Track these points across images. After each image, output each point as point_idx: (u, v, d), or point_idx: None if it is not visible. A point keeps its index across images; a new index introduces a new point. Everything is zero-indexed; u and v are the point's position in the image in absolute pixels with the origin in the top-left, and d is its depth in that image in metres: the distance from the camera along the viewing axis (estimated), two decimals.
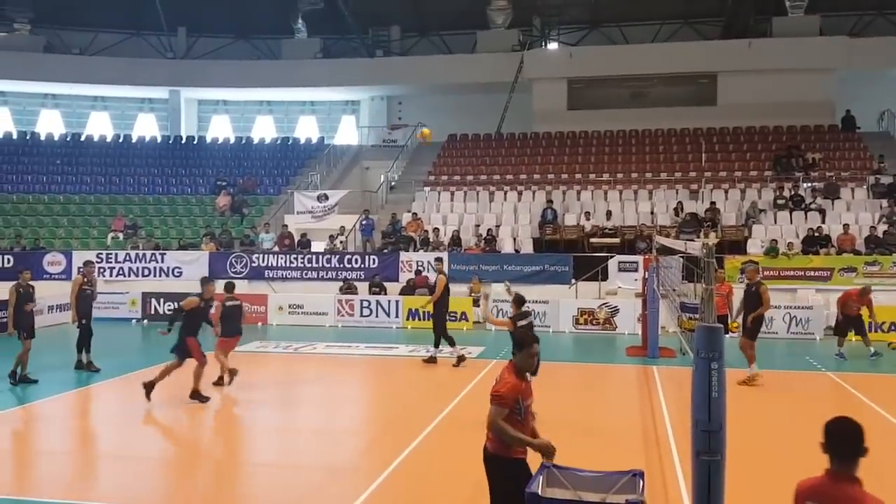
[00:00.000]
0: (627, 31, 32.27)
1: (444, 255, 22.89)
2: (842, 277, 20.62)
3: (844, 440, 3.74)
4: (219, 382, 12.84)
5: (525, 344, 5.69)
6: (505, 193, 27.15)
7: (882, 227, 22.19)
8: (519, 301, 11.10)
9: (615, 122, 30.29)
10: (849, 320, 16.58)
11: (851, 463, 3.71)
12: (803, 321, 19.48)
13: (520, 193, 27.07)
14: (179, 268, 23.64)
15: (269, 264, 23.59)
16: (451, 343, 15.06)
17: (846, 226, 22.32)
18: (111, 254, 23.92)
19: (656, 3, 31.29)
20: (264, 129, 36.02)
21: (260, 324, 21.35)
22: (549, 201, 25.52)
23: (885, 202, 23.61)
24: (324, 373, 15.03)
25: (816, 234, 22.01)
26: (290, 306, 22.07)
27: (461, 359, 14.93)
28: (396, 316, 21.48)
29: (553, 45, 32.85)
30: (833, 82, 28.78)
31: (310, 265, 23.56)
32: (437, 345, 15.31)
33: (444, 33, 33.71)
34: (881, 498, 3.64)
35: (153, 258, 23.80)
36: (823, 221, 23.08)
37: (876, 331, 17.88)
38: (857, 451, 3.72)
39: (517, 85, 30.50)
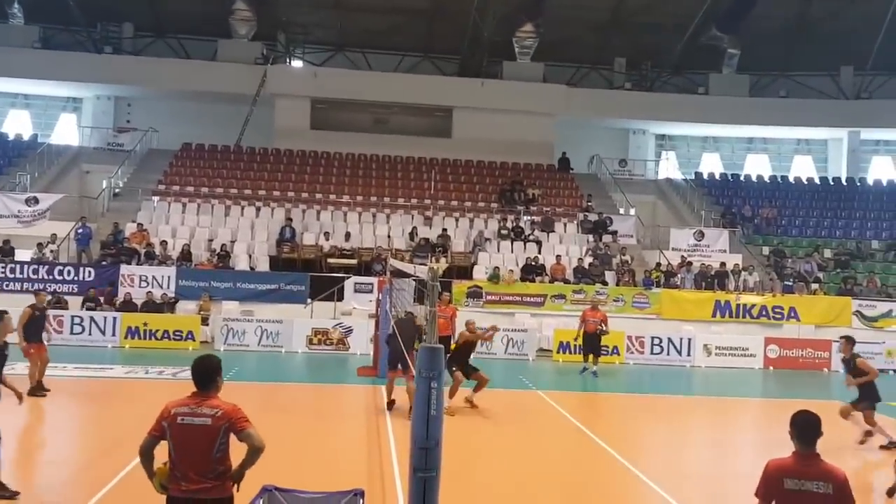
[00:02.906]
0: (372, 58, 33.01)
1: (172, 270, 21.65)
2: (553, 303, 22.60)
3: (808, 427, 4.64)
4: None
5: None
6: (242, 208, 26.31)
7: (588, 260, 24.72)
8: None
9: (357, 146, 30.76)
10: (586, 337, 18.21)
11: (813, 444, 4.64)
12: (519, 343, 21.06)
13: (258, 209, 26.40)
14: None
15: None
16: None
17: (559, 257, 24.57)
18: None
19: (399, 34, 32.38)
20: None
21: None
22: (289, 219, 25.17)
23: (591, 237, 26.37)
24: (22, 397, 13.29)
25: (533, 263, 23.97)
26: None
27: None
28: (113, 334, 19.77)
29: (298, 63, 32.66)
30: (553, 126, 31.72)
31: (13, 276, 21.00)
32: None
33: (183, 37, 32.06)
34: None
35: None
36: (540, 252, 25.20)
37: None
38: (817, 435, 4.64)
39: (259, 99, 29.83)
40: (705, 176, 33.48)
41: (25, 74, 29.82)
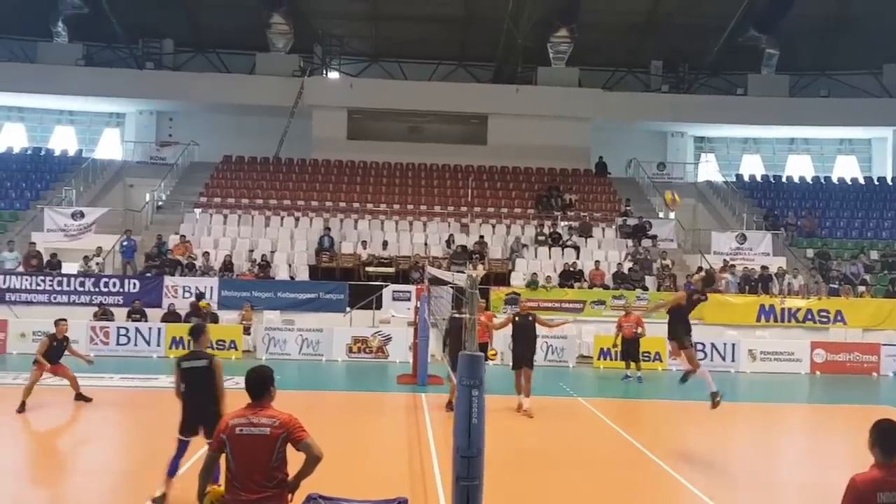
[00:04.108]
0: (407, 68, 33.21)
1: (215, 281, 21.97)
2: (592, 309, 22.41)
3: (892, 436, 4.45)
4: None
5: None
6: (281, 219, 26.63)
7: (627, 265, 24.49)
8: None
9: (393, 155, 30.96)
10: (624, 343, 18.29)
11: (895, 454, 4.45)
12: (558, 350, 20.90)
13: (296, 219, 26.69)
14: None
15: (11, 286, 21.25)
16: None
17: (597, 262, 24.38)
18: None
19: (433, 43, 32.54)
20: (14, 138, 32.47)
21: None
22: (327, 229, 25.40)
23: (630, 242, 26.12)
24: (70, 406, 13.61)
25: (572, 269, 23.82)
26: (34, 333, 19.83)
27: None
28: (158, 344, 20.12)
29: (334, 75, 32.99)
30: (589, 130, 31.52)
31: (60, 288, 21.52)
32: None
33: (222, 51, 32.64)
34: None
35: None
36: (578, 257, 25.03)
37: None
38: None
39: (297, 111, 30.22)
40: (746, 178, 32.99)
41: (70, 91, 30.67)
